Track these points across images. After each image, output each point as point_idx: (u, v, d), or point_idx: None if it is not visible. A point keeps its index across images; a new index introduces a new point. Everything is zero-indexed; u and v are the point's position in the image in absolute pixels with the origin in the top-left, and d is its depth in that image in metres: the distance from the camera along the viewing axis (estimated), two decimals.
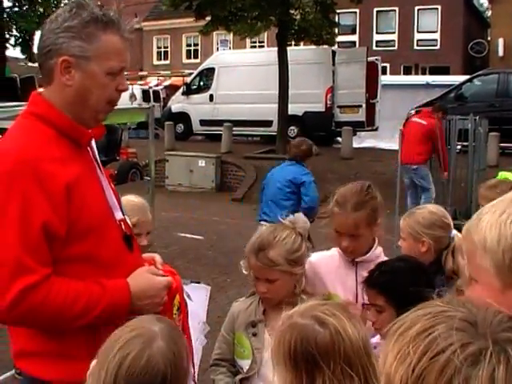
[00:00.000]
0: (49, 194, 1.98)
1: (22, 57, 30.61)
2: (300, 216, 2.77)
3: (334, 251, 3.00)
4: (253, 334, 2.67)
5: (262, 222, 6.03)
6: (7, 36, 28.04)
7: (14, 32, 28.11)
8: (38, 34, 27.96)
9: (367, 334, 1.74)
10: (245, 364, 2.69)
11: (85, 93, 2.12)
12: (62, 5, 20.11)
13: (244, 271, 2.69)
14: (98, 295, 2.07)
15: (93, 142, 2.30)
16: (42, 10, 26.16)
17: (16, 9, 27.59)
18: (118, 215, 2.27)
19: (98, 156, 2.29)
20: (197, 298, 3.18)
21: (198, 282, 3.11)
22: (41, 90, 2.23)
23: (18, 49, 28.87)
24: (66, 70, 2.08)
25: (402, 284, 2.38)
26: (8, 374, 4.36)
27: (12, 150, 2.03)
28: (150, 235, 3.30)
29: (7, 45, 28.10)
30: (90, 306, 2.05)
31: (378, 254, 2.95)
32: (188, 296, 2.77)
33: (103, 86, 2.14)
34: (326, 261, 2.99)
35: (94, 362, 1.56)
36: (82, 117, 2.17)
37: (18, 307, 1.96)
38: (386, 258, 2.90)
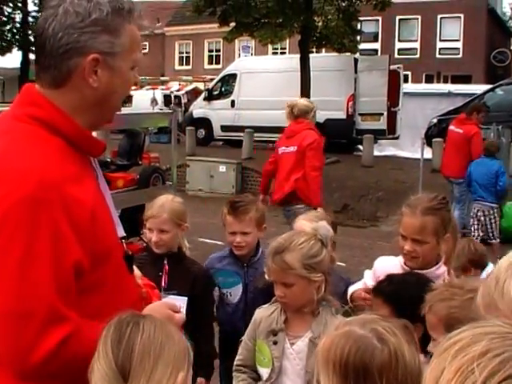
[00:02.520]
0: (76, 225, 1.66)
1: None
2: (323, 224, 2.75)
3: (397, 260, 2.92)
4: (273, 342, 2.66)
5: (478, 201, 9.14)
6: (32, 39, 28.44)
7: None
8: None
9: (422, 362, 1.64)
10: (264, 372, 2.70)
11: (109, 93, 1.80)
12: None
13: (266, 276, 2.69)
14: None
15: None
16: None
17: None
18: (120, 232, 1.97)
19: (94, 160, 1.94)
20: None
21: (175, 294, 3.15)
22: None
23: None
24: (93, 70, 1.75)
25: (410, 297, 2.34)
26: None
27: (31, 169, 1.64)
28: None
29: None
30: None
31: (441, 273, 2.81)
32: None
33: (127, 82, 1.86)
34: (387, 269, 2.87)
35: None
36: (96, 120, 1.87)
37: (51, 363, 1.62)
38: (447, 278, 2.76)
